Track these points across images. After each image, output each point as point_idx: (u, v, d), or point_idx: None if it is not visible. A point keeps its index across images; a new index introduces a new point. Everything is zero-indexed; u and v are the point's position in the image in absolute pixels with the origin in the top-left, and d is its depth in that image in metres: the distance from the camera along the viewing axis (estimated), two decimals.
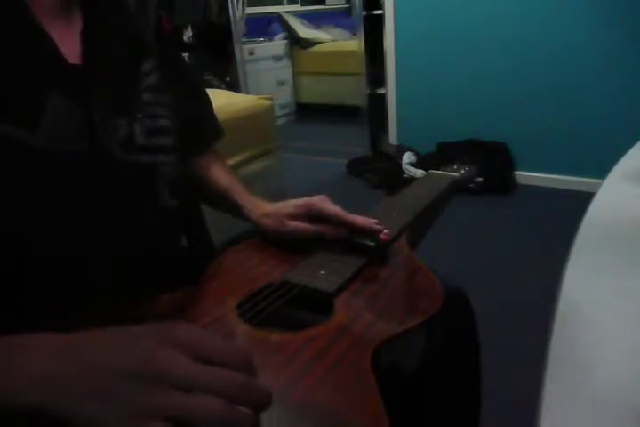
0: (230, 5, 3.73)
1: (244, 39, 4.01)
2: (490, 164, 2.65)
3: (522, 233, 2.30)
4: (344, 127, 4.09)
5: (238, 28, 3.82)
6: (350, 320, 0.57)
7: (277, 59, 4.62)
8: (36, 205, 0.52)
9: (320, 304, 0.60)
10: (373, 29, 3.13)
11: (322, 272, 0.65)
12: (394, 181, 2.78)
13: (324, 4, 5.54)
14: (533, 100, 2.73)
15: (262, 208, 0.76)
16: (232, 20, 3.76)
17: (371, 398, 0.45)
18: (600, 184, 0.74)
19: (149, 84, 0.65)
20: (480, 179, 0.99)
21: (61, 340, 0.38)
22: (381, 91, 3.25)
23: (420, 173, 2.81)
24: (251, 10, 4.16)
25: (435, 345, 0.68)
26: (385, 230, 0.71)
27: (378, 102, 3.28)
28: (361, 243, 0.70)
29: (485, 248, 2.19)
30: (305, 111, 4.88)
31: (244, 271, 0.70)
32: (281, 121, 4.37)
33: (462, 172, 0.99)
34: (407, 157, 2.92)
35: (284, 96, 4.70)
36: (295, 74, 4.85)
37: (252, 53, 4.20)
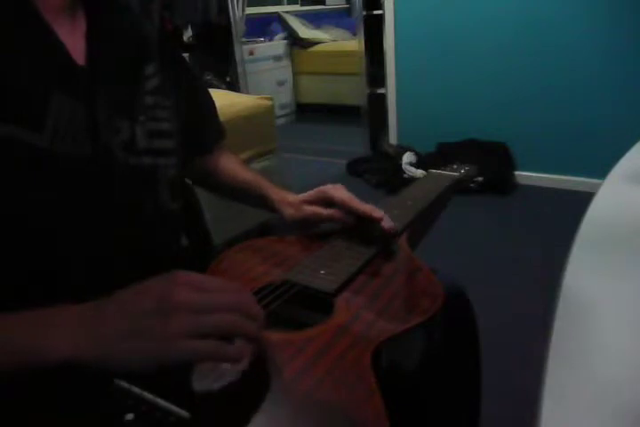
0: (230, 5, 3.73)
1: (244, 39, 4.01)
2: (490, 164, 2.65)
3: (522, 233, 2.30)
4: (344, 127, 4.09)
5: (238, 28, 3.82)
6: (350, 320, 0.57)
7: (277, 59, 4.62)
8: (37, 204, 0.52)
9: (320, 304, 0.60)
10: (373, 29, 3.13)
11: (322, 272, 0.65)
12: (394, 181, 2.78)
13: (323, 4, 5.54)
14: (533, 100, 2.73)
15: (286, 198, 0.80)
16: (232, 20, 3.76)
17: (371, 398, 0.45)
18: (600, 184, 0.74)
19: (152, 86, 0.65)
20: (480, 178, 0.99)
21: (86, 304, 0.46)
22: (381, 91, 3.25)
23: (419, 172, 2.81)
24: (251, 10, 4.16)
25: (435, 345, 0.68)
26: (389, 221, 0.73)
27: (378, 102, 3.28)
28: (368, 232, 0.73)
29: (485, 248, 2.19)
30: (305, 111, 4.88)
31: (245, 271, 0.70)
32: (281, 121, 4.37)
33: (462, 171, 0.99)
34: (407, 157, 2.92)
35: (284, 96, 4.70)
36: (295, 74, 4.85)
37: (251, 53, 4.20)
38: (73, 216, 0.55)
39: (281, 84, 4.68)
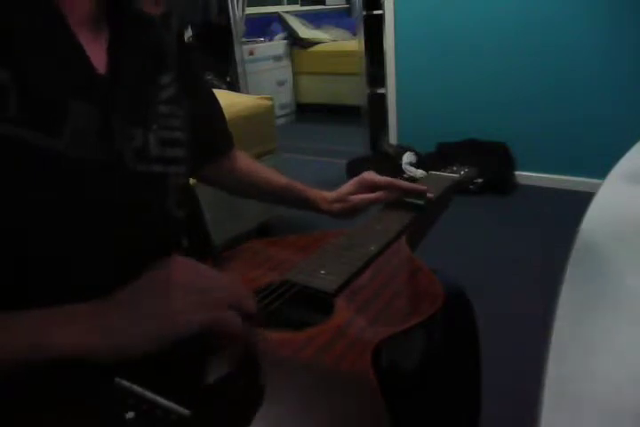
0: (230, 5, 3.73)
1: (244, 39, 4.01)
2: (490, 164, 2.65)
3: (522, 233, 2.30)
4: (344, 127, 4.09)
5: (238, 28, 3.82)
6: (350, 319, 0.57)
7: (277, 59, 4.63)
8: (45, 205, 0.53)
9: (320, 303, 0.60)
10: (373, 29, 3.13)
11: (322, 272, 0.65)
12: None
13: (323, 4, 5.54)
14: (533, 100, 2.73)
15: (327, 197, 0.86)
16: (232, 20, 3.76)
17: (371, 398, 0.45)
18: (600, 184, 0.74)
19: (166, 96, 0.66)
20: (480, 180, 0.99)
21: (93, 301, 0.49)
22: (381, 91, 3.25)
23: (420, 173, 2.81)
24: (251, 10, 4.16)
25: (435, 345, 0.68)
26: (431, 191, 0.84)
27: (378, 102, 3.28)
28: (412, 202, 0.84)
29: (485, 248, 2.19)
30: (305, 111, 4.88)
31: (245, 271, 0.70)
32: (281, 121, 4.37)
33: (462, 173, 0.99)
34: (407, 157, 2.92)
35: (284, 96, 4.71)
36: (295, 74, 4.85)
37: (251, 53, 4.20)
38: (77, 219, 0.56)
39: (281, 84, 4.68)
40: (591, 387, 0.38)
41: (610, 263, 0.55)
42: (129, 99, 0.60)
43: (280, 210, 2.13)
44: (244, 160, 0.90)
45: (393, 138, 3.24)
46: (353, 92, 3.72)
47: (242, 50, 3.92)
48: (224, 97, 2.26)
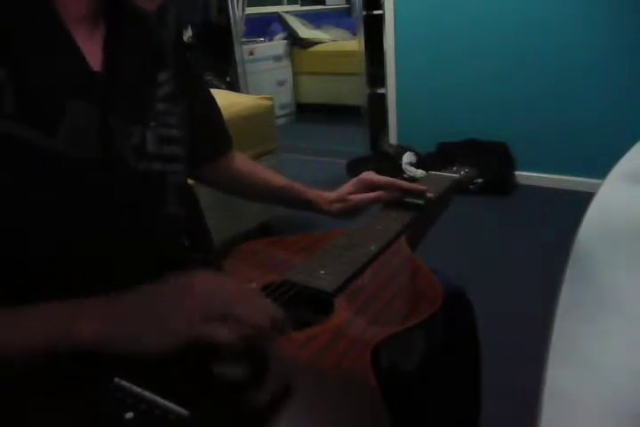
0: (230, 5, 3.73)
1: (244, 39, 4.01)
2: (490, 164, 2.65)
3: (522, 233, 2.30)
4: (344, 127, 4.09)
5: (238, 28, 3.82)
6: (350, 319, 0.57)
7: (277, 59, 4.62)
8: (46, 205, 0.53)
9: (320, 303, 0.60)
10: (373, 29, 3.12)
11: (322, 272, 0.65)
12: None
13: (323, 4, 5.54)
14: (533, 100, 2.73)
15: (327, 197, 0.86)
16: (232, 20, 3.76)
17: (370, 398, 0.45)
18: (600, 184, 0.74)
19: (164, 93, 0.66)
20: (480, 180, 0.99)
21: (112, 295, 0.50)
22: (381, 91, 3.25)
23: (420, 173, 2.81)
24: (251, 10, 4.16)
25: (435, 345, 0.68)
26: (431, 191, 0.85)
27: (378, 102, 3.28)
28: (411, 202, 0.85)
29: (485, 248, 2.19)
30: (305, 111, 4.88)
31: (244, 271, 0.70)
32: (281, 121, 4.36)
33: (462, 173, 0.99)
34: (407, 157, 2.92)
35: (284, 96, 4.70)
36: (295, 74, 4.84)
37: (251, 53, 4.20)
38: (76, 218, 0.56)
39: (281, 84, 4.68)
40: (591, 387, 0.38)
41: (610, 263, 0.55)
42: (126, 96, 0.60)
43: (280, 210, 2.13)
44: (242, 161, 0.90)
45: (393, 138, 3.24)
46: (353, 92, 3.72)
47: (242, 50, 3.92)
48: (224, 97, 2.27)
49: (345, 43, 4.72)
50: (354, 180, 0.86)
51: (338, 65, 4.50)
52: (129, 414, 0.43)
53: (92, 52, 0.58)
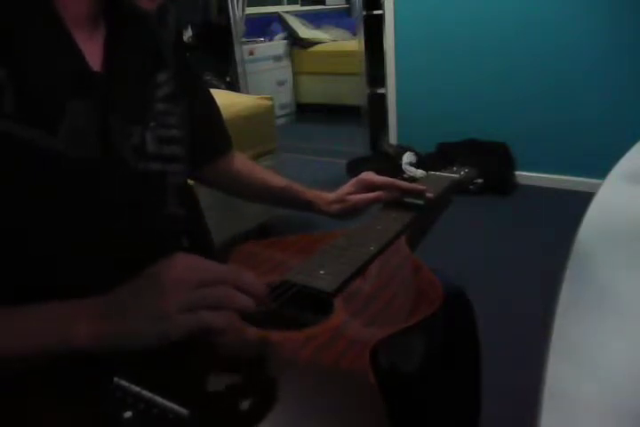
0: (230, 5, 3.73)
1: (244, 39, 4.01)
2: (490, 164, 2.65)
3: (522, 233, 2.30)
4: (344, 127, 4.09)
5: (238, 28, 3.82)
6: (350, 319, 0.57)
7: (277, 59, 4.62)
8: (46, 205, 0.53)
9: (320, 303, 0.60)
10: (373, 29, 3.13)
11: (321, 272, 0.65)
12: None
13: (323, 4, 5.54)
14: (533, 100, 2.73)
15: (326, 198, 0.86)
16: (232, 19, 3.76)
17: (370, 398, 0.45)
18: (600, 184, 0.74)
19: (163, 94, 0.66)
20: (480, 180, 0.99)
21: (101, 296, 0.50)
22: (381, 91, 3.25)
23: (419, 173, 2.81)
24: (251, 10, 4.16)
25: (435, 345, 0.68)
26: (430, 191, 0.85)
27: (378, 102, 3.28)
28: (411, 202, 0.84)
29: (485, 248, 2.19)
30: (305, 111, 4.88)
31: None
32: (281, 121, 4.37)
33: (462, 173, 0.99)
34: (407, 157, 2.92)
35: (284, 96, 4.70)
36: (295, 74, 4.85)
37: (251, 53, 4.20)
38: (76, 218, 0.56)
39: (281, 84, 4.68)
40: (591, 387, 0.38)
41: (610, 263, 0.55)
42: (126, 96, 0.60)
43: (280, 210, 2.13)
44: (242, 161, 0.90)
45: (393, 138, 3.24)
46: (353, 92, 3.72)
47: (242, 50, 3.92)
48: (224, 97, 2.27)
49: (345, 43, 4.73)
50: (353, 180, 0.86)
51: (338, 65, 4.51)
52: (128, 414, 0.42)
53: (92, 52, 0.58)
